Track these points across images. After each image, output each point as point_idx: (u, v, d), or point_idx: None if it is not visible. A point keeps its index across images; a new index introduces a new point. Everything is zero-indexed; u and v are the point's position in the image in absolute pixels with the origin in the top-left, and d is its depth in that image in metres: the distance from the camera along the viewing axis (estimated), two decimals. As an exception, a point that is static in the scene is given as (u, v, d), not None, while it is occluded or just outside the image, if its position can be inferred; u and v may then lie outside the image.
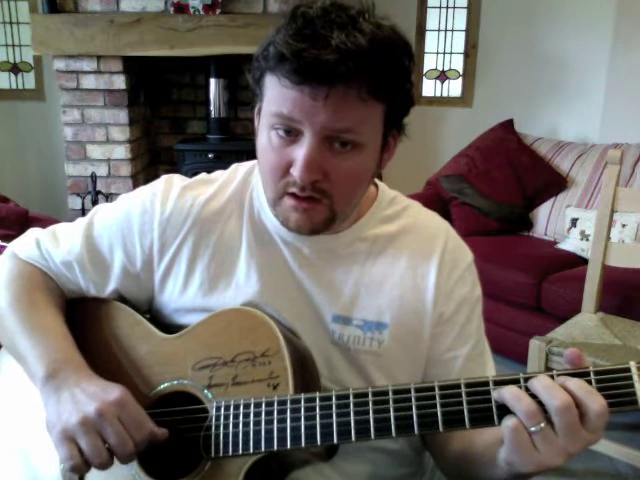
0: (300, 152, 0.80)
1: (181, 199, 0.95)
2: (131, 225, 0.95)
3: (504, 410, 0.70)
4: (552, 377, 0.70)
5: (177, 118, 3.85)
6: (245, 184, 0.97)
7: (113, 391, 0.81)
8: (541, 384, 0.69)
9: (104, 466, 0.79)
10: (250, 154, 0.91)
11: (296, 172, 0.80)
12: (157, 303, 0.98)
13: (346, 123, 0.79)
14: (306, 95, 0.77)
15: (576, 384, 0.68)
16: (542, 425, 0.67)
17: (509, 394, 0.69)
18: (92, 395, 0.81)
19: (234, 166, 1.01)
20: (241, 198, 0.96)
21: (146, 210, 0.95)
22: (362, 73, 0.76)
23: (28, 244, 1.00)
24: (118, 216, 0.97)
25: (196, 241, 0.94)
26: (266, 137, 0.83)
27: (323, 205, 0.84)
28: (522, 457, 0.69)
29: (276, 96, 0.80)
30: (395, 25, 0.82)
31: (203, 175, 1.00)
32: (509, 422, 0.69)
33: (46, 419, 0.83)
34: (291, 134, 0.81)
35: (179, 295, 0.94)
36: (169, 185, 0.97)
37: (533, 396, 0.69)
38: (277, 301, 0.90)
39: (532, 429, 0.68)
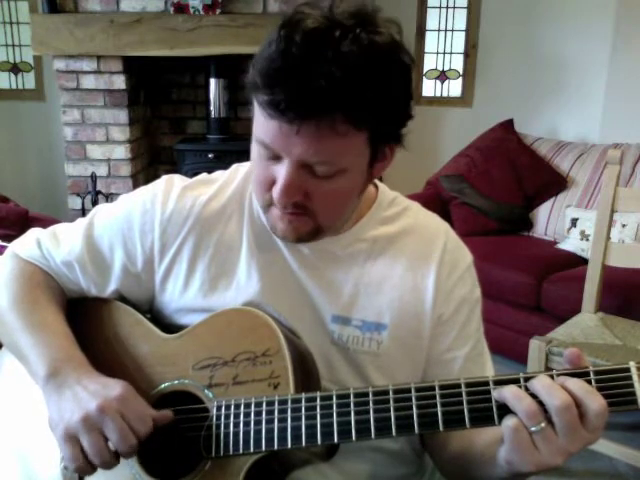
0: (280, 175, 0.80)
1: (182, 199, 0.95)
2: (132, 225, 0.95)
3: (504, 410, 0.70)
4: (552, 377, 0.70)
5: (177, 118, 3.85)
6: (245, 184, 0.97)
7: (115, 387, 0.81)
8: (541, 384, 0.69)
9: (107, 465, 0.80)
10: (250, 154, 0.91)
11: (275, 194, 0.81)
12: (158, 303, 0.98)
13: (321, 157, 0.78)
14: (282, 127, 0.76)
15: (576, 384, 0.68)
16: (542, 425, 0.67)
17: (510, 394, 0.69)
18: (93, 392, 0.81)
19: (234, 166, 1.01)
20: (241, 198, 0.96)
21: (147, 210, 0.95)
22: (335, 108, 0.73)
23: (29, 244, 1.00)
24: (118, 216, 0.97)
25: (197, 241, 0.94)
26: (255, 151, 0.84)
27: (308, 217, 0.84)
28: (522, 457, 0.69)
29: (261, 121, 0.79)
30: (395, 33, 0.77)
31: (203, 175, 1.01)
32: (509, 422, 0.69)
33: (49, 418, 0.83)
34: (272, 156, 0.81)
35: (180, 295, 0.94)
36: (169, 185, 0.97)
37: (533, 396, 0.69)
38: (277, 301, 0.91)
39: (532, 429, 0.68)
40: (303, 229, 0.85)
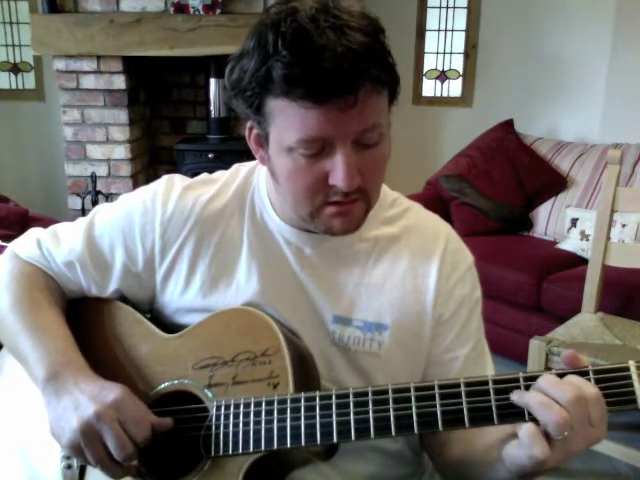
0: (337, 162, 0.79)
1: (182, 199, 0.95)
2: (132, 225, 0.95)
3: (505, 410, 0.70)
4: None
5: (177, 118, 3.85)
6: (246, 184, 0.97)
7: (112, 392, 0.81)
8: (548, 382, 0.69)
9: (111, 472, 0.80)
10: (250, 154, 0.91)
11: (340, 182, 0.79)
12: (158, 303, 0.98)
13: (374, 118, 0.79)
14: (334, 109, 0.75)
15: (571, 378, 0.69)
16: (566, 433, 0.67)
17: (535, 402, 0.69)
18: (91, 398, 0.81)
19: (235, 166, 1.01)
20: (242, 198, 0.96)
21: (147, 210, 0.95)
22: (371, 67, 0.76)
23: (29, 244, 1.00)
24: (119, 216, 0.97)
25: (197, 241, 0.94)
26: (289, 161, 0.81)
27: (362, 200, 0.84)
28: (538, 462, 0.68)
29: (298, 121, 0.77)
30: (351, 4, 0.81)
31: (204, 175, 1.00)
32: (530, 429, 0.68)
33: (49, 424, 0.83)
34: (317, 151, 0.80)
35: (180, 295, 0.94)
36: (170, 185, 0.97)
37: None
38: (277, 301, 0.91)
39: (559, 438, 0.67)
40: (358, 214, 0.86)
